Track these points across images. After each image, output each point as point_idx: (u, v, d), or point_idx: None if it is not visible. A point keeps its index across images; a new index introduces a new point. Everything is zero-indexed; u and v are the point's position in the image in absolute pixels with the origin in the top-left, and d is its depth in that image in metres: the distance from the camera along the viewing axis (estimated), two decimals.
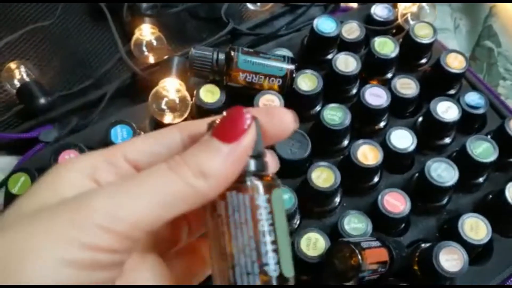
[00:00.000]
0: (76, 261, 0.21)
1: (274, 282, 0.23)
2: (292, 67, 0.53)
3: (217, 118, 0.25)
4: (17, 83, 0.59)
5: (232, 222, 0.24)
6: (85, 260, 0.21)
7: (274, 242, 0.24)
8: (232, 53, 0.53)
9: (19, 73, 0.60)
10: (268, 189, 0.24)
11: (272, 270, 0.23)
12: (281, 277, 0.23)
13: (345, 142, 0.54)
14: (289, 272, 0.24)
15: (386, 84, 0.55)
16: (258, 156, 0.25)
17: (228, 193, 0.24)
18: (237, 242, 0.23)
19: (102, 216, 0.21)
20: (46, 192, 0.23)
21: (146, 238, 0.27)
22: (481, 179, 0.52)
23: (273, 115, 0.26)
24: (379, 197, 0.48)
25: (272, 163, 0.27)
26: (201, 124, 0.26)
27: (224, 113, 0.25)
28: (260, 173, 0.25)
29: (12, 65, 0.60)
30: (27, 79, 0.59)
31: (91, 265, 0.21)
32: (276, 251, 0.23)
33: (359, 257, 0.41)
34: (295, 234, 0.47)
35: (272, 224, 0.24)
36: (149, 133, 0.27)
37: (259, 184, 0.24)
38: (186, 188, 0.23)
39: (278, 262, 0.23)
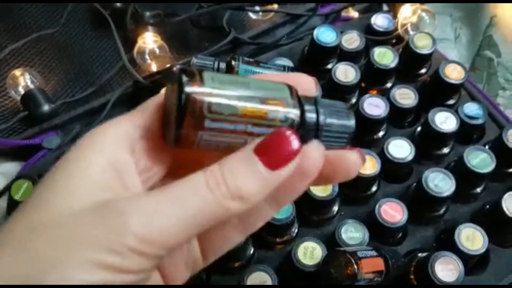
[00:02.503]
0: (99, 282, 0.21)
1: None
2: None
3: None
4: (21, 90, 0.60)
5: None
6: (110, 280, 0.21)
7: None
8: (233, 62, 0.53)
9: (24, 80, 0.61)
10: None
11: None
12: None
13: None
14: (208, 79, 0.24)
15: (386, 93, 0.56)
16: None
17: None
18: None
19: (134, 239, 0.21)
20: (78, 173, 0.23)
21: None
22: (478, 189, 0.53)
23: (338, 165, 0.26)
24: (376, 206, 0.49)
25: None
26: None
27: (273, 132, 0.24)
28: None
29: (17, 72, 0.61)
30: (31, 86, 0.60)
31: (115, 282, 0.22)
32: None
33: (355, 266, 0.41)
34: (293, 242, 0.48)
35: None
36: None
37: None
38: (219, 209, 0.23)
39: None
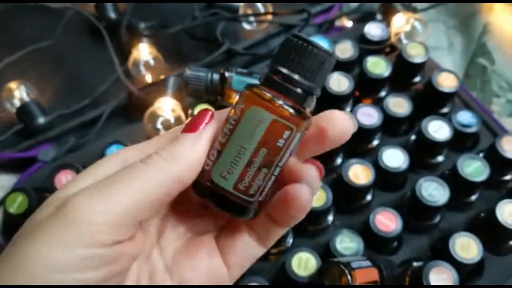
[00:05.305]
0: (79, 261, 0.23)
1: (202, 174, 0.26)
2: None
3: None
4: (17, 103, 0.60)
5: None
6: (89, 257, 0.23)
7: (221, 145, 0.26)
8: (226, 73, 0.54)
9: (19, 93, 0.61)
10: (248, 102, 0.25)
11: (206, 164, 0.26)
12: (208, 175, 0.26)
13: (338, 161, 0.54)
14: (216, 177, 0.26)
15: (380, 102, 0.56)
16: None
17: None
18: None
19: (87, 215, 0.23)
20: (85, 179, 0.26)
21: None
22: (473, 198, 0.53)
23: (334, 120, 0.26)
24: (371, 216, 0.49)
25: None
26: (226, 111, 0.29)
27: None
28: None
29: (13, 85, 0.61)
30: (26, 98, 0.60)
31: (95, 262, 0.23)
32: (218, 152, 0.26)
33: (349, 277, 0.41)
34: (288, 253, 0.48)
35: (230, 130, 0.26)
36: (180, 126, 0.29)
37: (243, 94, 0.26)
38: (159, 173, 0.25)
39: (213, 162, 0.26)
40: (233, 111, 0.26)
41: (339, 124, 0.26)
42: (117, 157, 0.28)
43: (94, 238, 0.23)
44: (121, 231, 0.24)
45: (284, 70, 0.25)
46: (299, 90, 0.25)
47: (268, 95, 0.25)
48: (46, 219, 0.24)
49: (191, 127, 0.27)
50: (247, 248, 0.29)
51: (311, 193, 0.26)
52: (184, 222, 0.29)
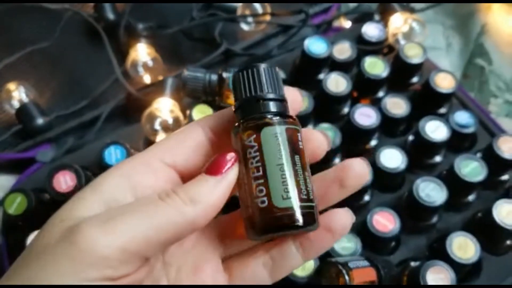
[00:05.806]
0: None
1: (263, 213, 0.26)
2: None
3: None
4: (16, 104, 0.60)
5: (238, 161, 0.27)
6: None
7: (261, 177, 0.26)
8: (224, 74, 0.54)
9: (18, 94, 0.61)
10: (257, 129, 0.26)
11: (260, 202, 0.26)
12: (271, 207, 0.25)
13: (336, 161, 0.54)
14: (280, 202, 0.26)
15: (378, 103, 0.56)
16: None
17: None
18: (240, 180, 0.27)
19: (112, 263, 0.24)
20: (91, 197, 0.26)
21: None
22: (470, 198, 0.53)
23: (306, 137, 0.28)
24: (368, 216, 0.49)
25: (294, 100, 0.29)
26: (221, 114, 0.29)
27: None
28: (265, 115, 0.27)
29: (12, 86, 0.61)
30: (25, 99, 0.61)
31: None
32: (263, 184, 0.26)
33: (346, 277, 0.42)
34: None
35: (260, 160, 0.26)
36: (175, 133, 0.29)
37: (243, 129, 0.27)
38: (175, 214, 0.25)
39: (266, 195, 0.26)
40: (247, 149, 0.26)
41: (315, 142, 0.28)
42: (119, 171, 0.27)
43: (104, 273, 0.23)
44: (129, 266, 0.24)
45: (252, 94, 0.27)
46: (272, 102, 0.27)
47: (263, 118, 0.27)
48: (56, 245, 0.24)
49: (214, 169, 0.26)
50: (256, 276, 0.29)
51: (351, 220, 0.28)
52: (190, 240, 0.29)
